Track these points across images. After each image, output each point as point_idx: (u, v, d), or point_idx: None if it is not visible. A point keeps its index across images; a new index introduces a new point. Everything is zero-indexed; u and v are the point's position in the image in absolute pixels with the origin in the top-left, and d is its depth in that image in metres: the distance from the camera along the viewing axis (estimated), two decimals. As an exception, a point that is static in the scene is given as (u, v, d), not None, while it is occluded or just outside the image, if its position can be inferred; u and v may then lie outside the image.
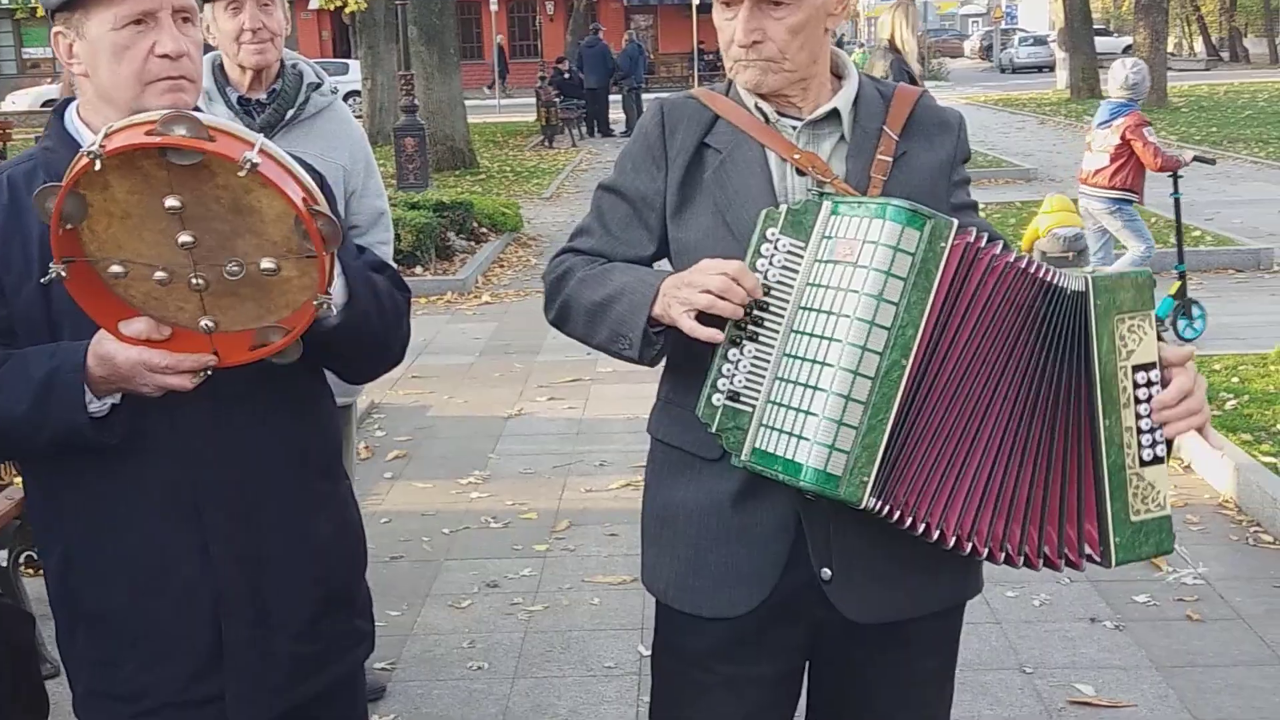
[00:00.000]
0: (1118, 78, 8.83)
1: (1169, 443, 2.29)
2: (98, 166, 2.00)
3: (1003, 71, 53.23)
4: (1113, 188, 8.73)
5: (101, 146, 2.00)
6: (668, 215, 2.47)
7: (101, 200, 2.07)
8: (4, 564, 4.69)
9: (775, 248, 2.24)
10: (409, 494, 6.63)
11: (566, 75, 29.19)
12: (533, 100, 29.98)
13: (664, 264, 2.49)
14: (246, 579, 2.37)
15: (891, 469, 2.17)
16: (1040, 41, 51.96)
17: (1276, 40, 50.95)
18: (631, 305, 2.33)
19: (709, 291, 2.19)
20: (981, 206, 2.64)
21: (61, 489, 2.37)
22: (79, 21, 2.27)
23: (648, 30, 50.91)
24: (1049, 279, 2.21)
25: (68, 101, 2.43)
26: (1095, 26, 40.17)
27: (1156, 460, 2.26)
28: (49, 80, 45.25)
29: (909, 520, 2.19)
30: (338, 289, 2.26)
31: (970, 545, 2.21)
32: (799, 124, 2.43)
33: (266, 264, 2.08)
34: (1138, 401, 2.24)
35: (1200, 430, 2.30)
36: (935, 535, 2.20)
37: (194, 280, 2.11)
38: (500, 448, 7.32)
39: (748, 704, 2.49)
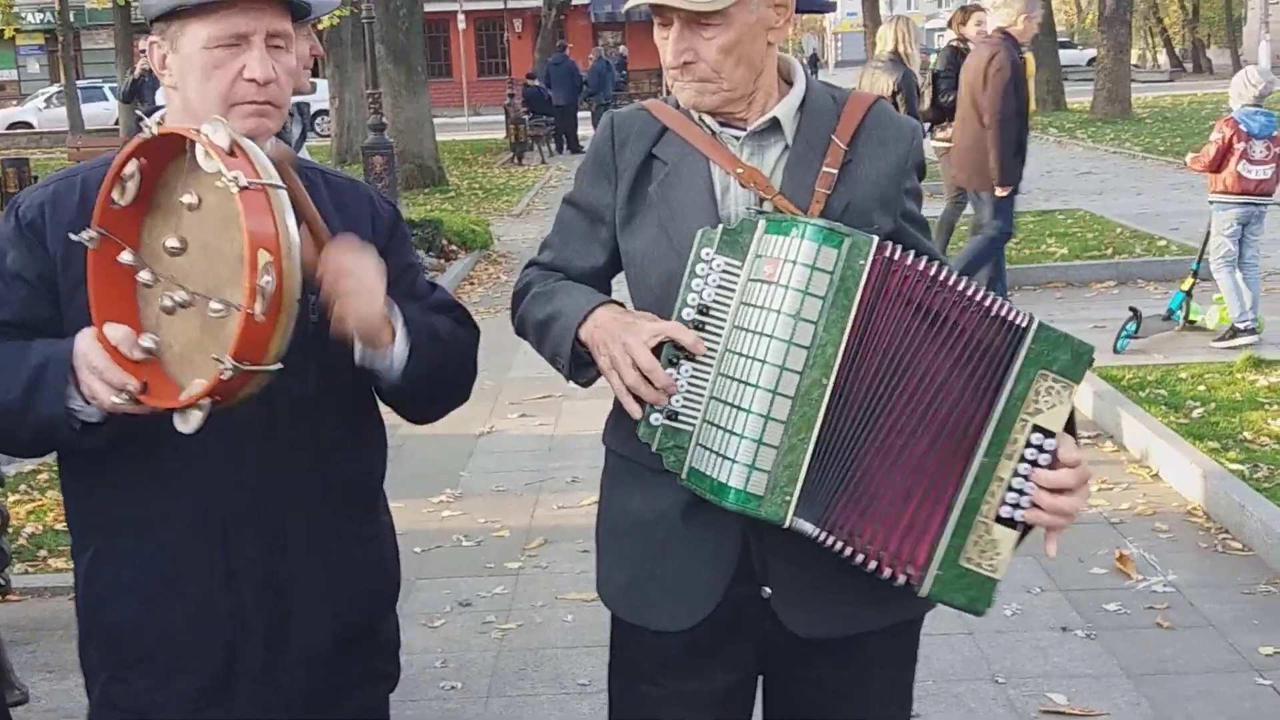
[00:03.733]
0: (1261, 79, 8.93)
1: (1028, 528, 2.25)
2: (146, 137, 2.08)
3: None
4: (1271, 191, 8.94)
5: (159, 124, 2.09)
6: (617, 226, 2.48)
7: (166, 201, 2.13)
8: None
9: (710, 267, 2.25)
10: (380, 513, 6.58)
11: (535, 84, 29.14)
12: (501, 117, 29.97)
13: (620, 288, 2.50)
14: (267, 606, 2.35)
15: (818, 487, 2.17)
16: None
17: (1239, 51, 51.32)
18: (564, 328, 2.37)
19: (637, 367, 2.23)
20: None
21: (96, 494, 2.35)
22: (175, 34, 2.27)
23: (616, 47, 50.96)
24: (992, 306, 2.18)
25: (155, 109, 2.42)
26: (1059, 39, 40.45)
27: (1010, 523, 2.22)
28: (14, 102, 45.06)
29: (830, 539, 2.19)
30: (399, 344, 2.29)
31: (850, 549, 2.21)
32: (742, 134, 2.42)
33: (214, 305, 2.05)
34: (1022, 460, 2.20)
35: (1051, 529, 2.24)
36: (849, 554, 2.20)
37: (162, 299, 2.11)
38: (472, 465, 7.31)
39: (699, 717, 2.49)
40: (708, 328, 2.24)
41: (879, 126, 2.46)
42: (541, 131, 28.39)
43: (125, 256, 2.14)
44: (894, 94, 10.35)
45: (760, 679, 2.56)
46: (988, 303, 2.18)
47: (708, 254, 2.25)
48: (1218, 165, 8.78)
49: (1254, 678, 4.55)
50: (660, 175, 2.43)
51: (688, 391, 2.25)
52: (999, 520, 2.21)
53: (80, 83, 37.70)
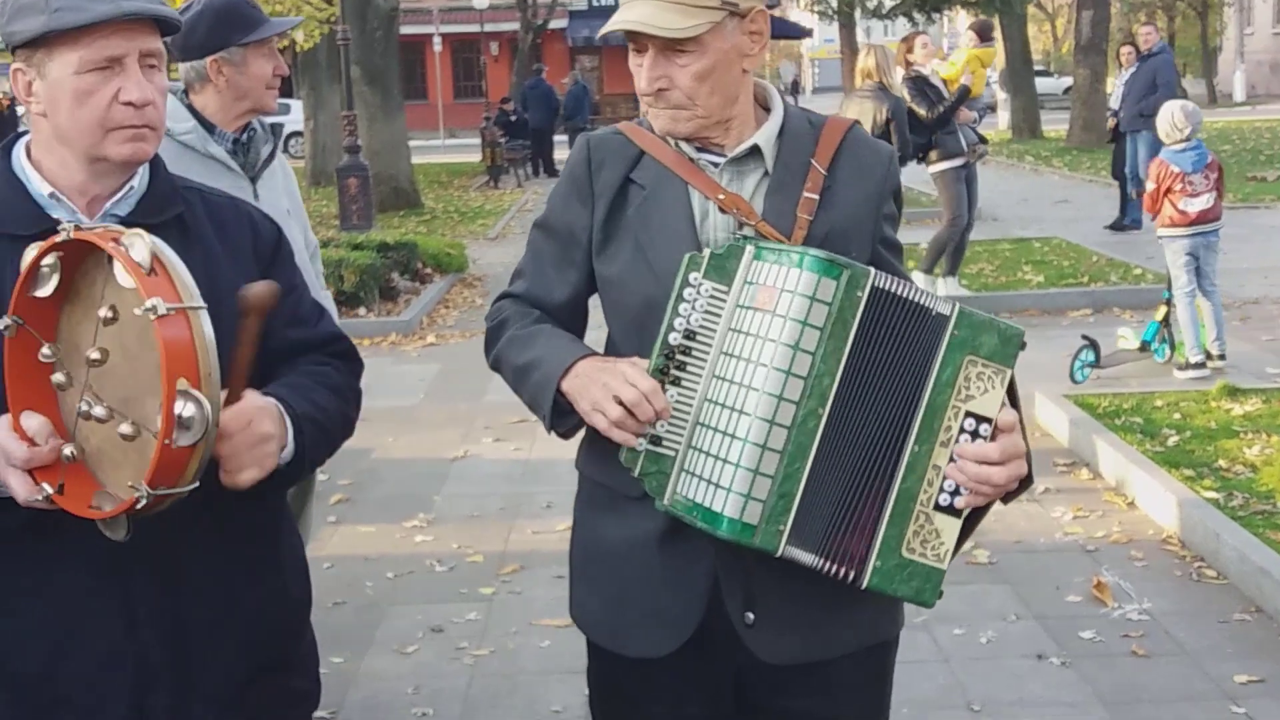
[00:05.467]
0: (1188, 122, 9.05)
1: (976, 512, 2.24)
2: (60, 239, 2.01)
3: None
4: (1217, 218, 9.09)
5: (77, 228, 2.02)
6: (593, 250, 2.46)
7: (86, 291, 2.07)
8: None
9: (698, 292, 2.24)
10: (352, 538, 6.55)
11: (513, 118, 29.22)
12: (478, 140, 29.98)
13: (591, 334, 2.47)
14: (171, 645, 2.27)
15: (809, 515, 2.17)
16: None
17: (1214, 81, 51.71)
18: (544, 378, 2.36)
19: (621, 403, 2.21)
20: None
21: None
22: (41, 60, 2.20)
23: (593, 71, 51.09)
24: (924, 303, 2.19)
25: (16, 137, 2.35)
26: (1036, 68, 40.69)
27: (952, 511, 2.21)
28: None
29: (826, 565, 2.19)
30: (285, 453, 2.23)
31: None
32: (721, 161, 2.41)
33: (124, 427, 2.03)
34: (957, 446, 2.20)
35: (986, 501, 2.24)
36: (843, 574, 2.20)
37: (81, 403, 2.08)
38: (446, 490, 7.26)
39: None
40: (694, 352, 2.23)
41: (856, 152, 2.46)
42: (517, 155, 28.41)
43: (45, 351, 2.10)
44: (887, 121, 10.40)
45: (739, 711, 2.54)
46: (917, 298, 2.19)
47: (695, 278, 2.24)
48: (1158, 205, 8.99)
49: (1229, 706, 4.53)
50: (638, 199, 2.42)
51: (672, 416, 2.23)
52: (939, 509, 2.21)
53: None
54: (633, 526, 2.41)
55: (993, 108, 35.07)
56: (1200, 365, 8.79)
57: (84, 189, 2.27)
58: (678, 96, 2.34)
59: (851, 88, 15.22)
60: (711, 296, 2.23)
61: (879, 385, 2.18)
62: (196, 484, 2.04)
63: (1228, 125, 33.30)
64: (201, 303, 1.99)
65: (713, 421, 2.19)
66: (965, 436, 2.20)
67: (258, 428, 2.15)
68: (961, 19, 35.67)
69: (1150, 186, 9.06)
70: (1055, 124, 34.42)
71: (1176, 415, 7.67)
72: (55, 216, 2.25)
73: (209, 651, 2.31)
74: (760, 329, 2.16)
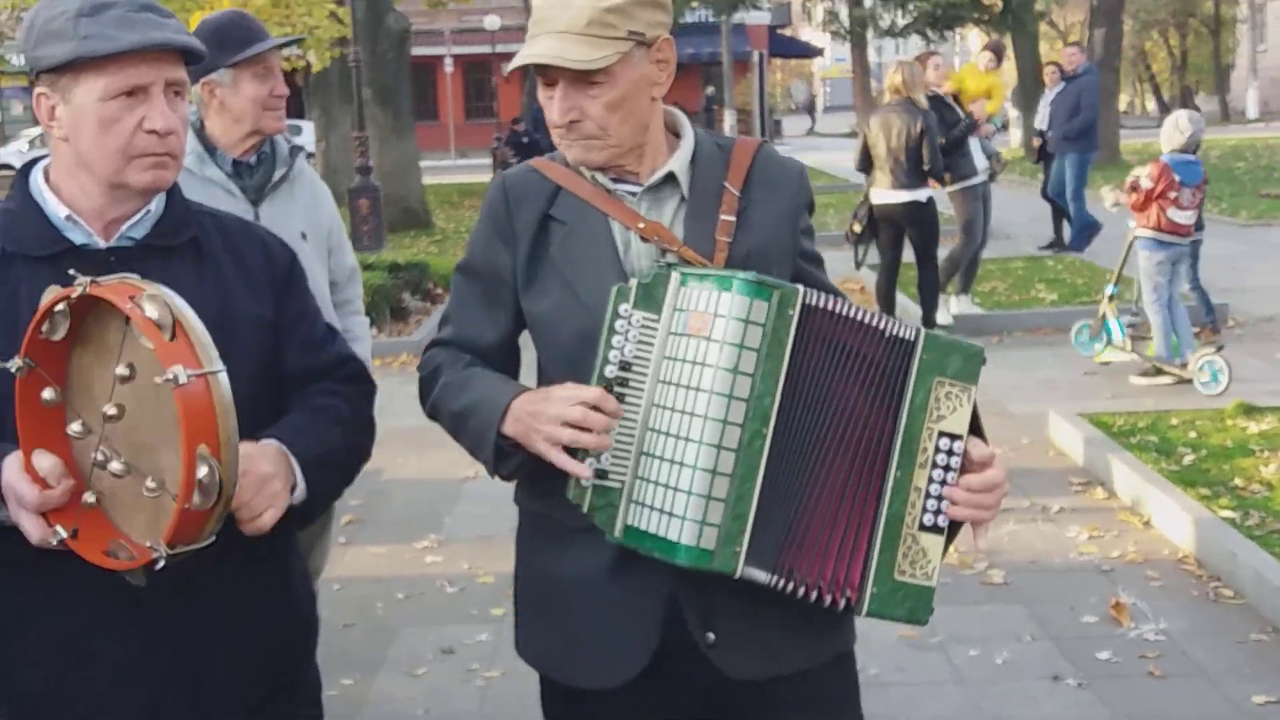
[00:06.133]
0: (1191, 125, 9.30)
1: (954, 525, 2.29)
2: (76, 294, 2.01)
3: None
4: (1200, 228, 9.47)
5: (93, 282, 2.01)
6: (519, 290, 2.45)
7: (98, 336, 2.08)
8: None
9: (629, 323, 2.24)
10: (362, 559, 6.53)
11: (524, 139, 29.28)
12: (489, 161, 30.03)
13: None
14: (184, 662, 2.27)
15: (764, 534, 2.18)
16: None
17: (1227, 98, 51.69)
18: (482, 424, 2.35)
19: (569, 424, 2.20)
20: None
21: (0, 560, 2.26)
22: (66, 86, 2.20)
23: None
24: (884, 328, 2.22)
25: (35, 160, 2.35)
26: (1047, 85, 40.66)
27: (936, 530, 2.27)
28: (-1, 144, 45.02)
29: (782, 582, 2.20)
30: (295, 495, 2.25)
31: (793, 586, 2.22)
32: (638, 190, 2.42)
33: (150, 482, 2.03)
34: (934, 466, 2.25)
35: (976, 525, 2.30)
36: (801, 591, 2.21)
37: (96, 454, 2.08)
38: (456, 510, 7.24)
39: None
40: (631, 383, 2.24)
41: (767, 170, 2.49)
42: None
43: (47, 395, 2.10)
44: (920, 134, 10.43)
45: None
46: (880, 325, 2.23)
47: (625, 309, 2.25)
48: (1144, 205, 9.12)
49: (1248, 728, 4.49)
50: (560, 236, 2.42)
51: (615, 449, 2.23)
52: (923, 529, 2.26)
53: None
54: (580, 559, 2.39)
55: (1005, 126, 35.11)
56: (1161, 373, 9.07)
57: (101, 213, 2.28)
58: (590, 127, 2.35)
59: (862, 105, 15.24)
60: (643, 326, 2.24)
61: (831, 401, 2.21)
62: (213, 539, 2.05)
63: (1241, 142, 33.25)
64: (220, 365, 1.99)
65: (658, 450, 2.20)
66: (941, 455, 2.25)
67: (257, 469, 2.16)
68: (974, 38, 35.67)
69: (1147, 185, 9.13)
70: (1067, 142, 34.34)
71: (1192, 434, 7.63)
72: (71, 239, 2.26)
73: (222, 667, 2.31)
74: (697, 355, 2.18)
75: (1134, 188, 9.18)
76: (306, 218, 3.96)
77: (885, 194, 10.75)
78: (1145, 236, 9.18)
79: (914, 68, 11.03)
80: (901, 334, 2.23)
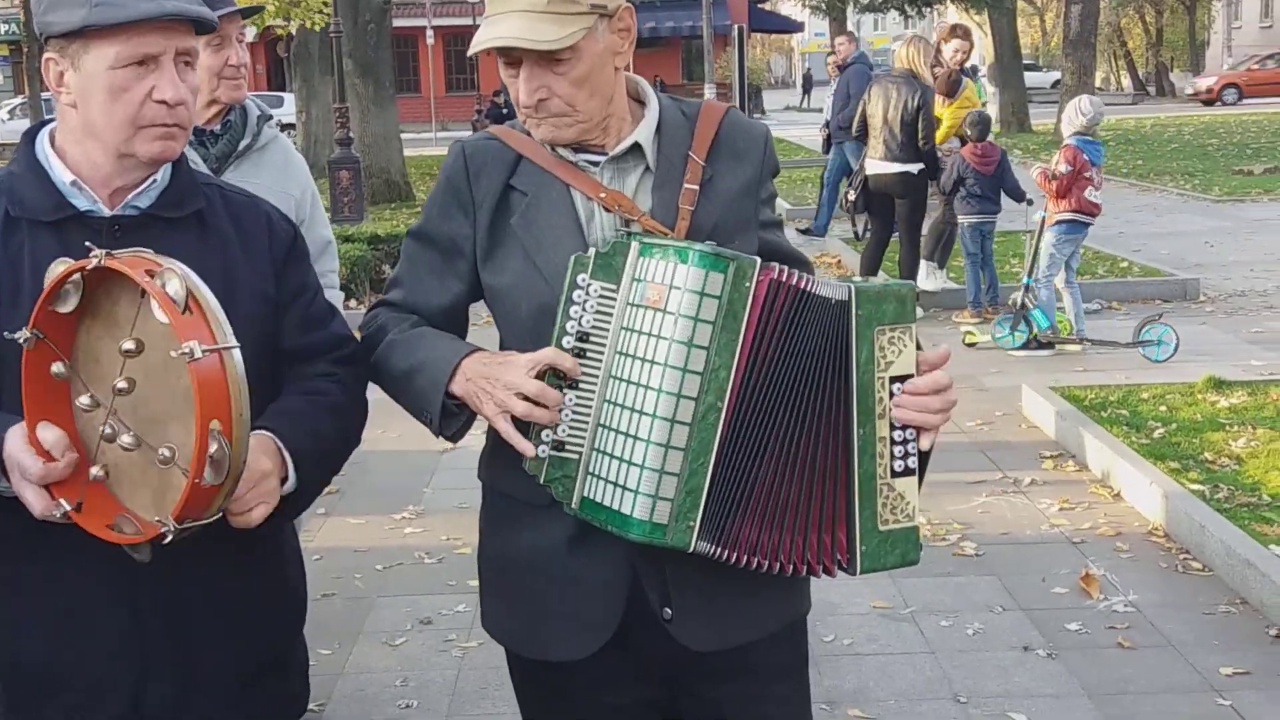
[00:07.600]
0: (1092, 109, 9.59)
1: (924, 456, 2.31)
2: (91, 266, 2.01)
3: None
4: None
5: (109, 255, 2.01)
6: (478, 260, 2.44)
7: (108, 309, 2.07)
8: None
9: (587, 293, 2.23)
10: (341, 530, 6.56)
11: (504, 110, 29.20)
12: (469, 133, 29.89)
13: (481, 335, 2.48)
14: (174, 634, 2.28)
15: (717, 508, 2.18)
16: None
17: (1202, 75, 51.76)
18: (430, 382, 2.33)
19: (525, 397, 2.19)
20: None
21: None
22: (76, 52, 2.18)
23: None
24: (822, 292, 2.21)
25: (42, 124, 2.35)
26: (1024, 62, 40.74)
27: (908, 472, 2.29)
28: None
29: (735, 556, 2.21)
30: (287, 485, 2.25)
31: (756, 561, 2.23)
32: (602, 159, 2.40)
33: (164, 451, 2.03)
34: (892, 413, 2.26)
35: (924, 431, 2.30)
36: (755, 564, 2.22)
37: (105, 426, 2.08)
38: (434, 482, 7.27)
39: None
40: (588, 354, 2.23)
41: (732, 137, 2.47)
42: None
43: (56, 368, 2.11)
44: (917, 110, 10.51)
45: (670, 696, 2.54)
46: (818, 290, 2.21)
47: (583, 279, 2.23)
48: (1066, 190, 9.43)
49: (1214, 698, 4.56)
50: (521, 206, 2.40)
51: (573, 419, 2.23)
52: (895, 475, 2.27)
53: (45, 94, 37.37)
54: (542, 534, 2.39)
55: (983, 103, 35.09)
56: (1048, 345, 9.55)
57: (107, 181, 2.27)
58: (558, 105, 2.31)
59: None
60: (601, 296, 2.22)
61: (788, 374, 2.20)
62: (220, 515, 2.06)
63: (1214, 119, 33.36)
64: (235, 341, 1.99)
65: (614, 423, 2.19)
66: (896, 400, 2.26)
67: (256, 465, 2.15)
68: (951, 14, 35.68)
69: (1064, 169, 9.41)
70: (1044, 118, 34.43)
71: (1163, 408, 7.70)
72: (75, 205, 2.25)
73: (212, 642, 2.32)
74: (653, 327, 2.16)
75: (1052, 176, 9.44)
76: (273, 188, 3.96)
77: (878, 164, 10.91)
78: (1065, 220, 9.47)
79: (924, 43, 11.12)
80: (834, 294, 2.21)
